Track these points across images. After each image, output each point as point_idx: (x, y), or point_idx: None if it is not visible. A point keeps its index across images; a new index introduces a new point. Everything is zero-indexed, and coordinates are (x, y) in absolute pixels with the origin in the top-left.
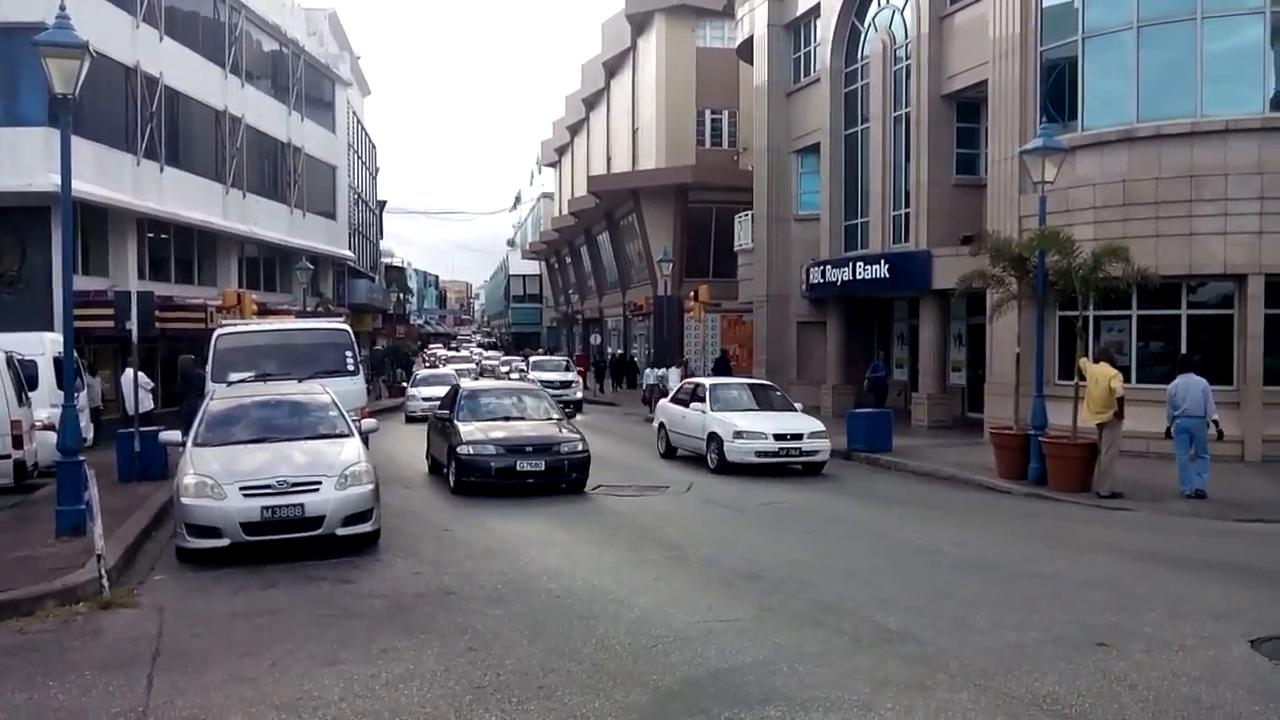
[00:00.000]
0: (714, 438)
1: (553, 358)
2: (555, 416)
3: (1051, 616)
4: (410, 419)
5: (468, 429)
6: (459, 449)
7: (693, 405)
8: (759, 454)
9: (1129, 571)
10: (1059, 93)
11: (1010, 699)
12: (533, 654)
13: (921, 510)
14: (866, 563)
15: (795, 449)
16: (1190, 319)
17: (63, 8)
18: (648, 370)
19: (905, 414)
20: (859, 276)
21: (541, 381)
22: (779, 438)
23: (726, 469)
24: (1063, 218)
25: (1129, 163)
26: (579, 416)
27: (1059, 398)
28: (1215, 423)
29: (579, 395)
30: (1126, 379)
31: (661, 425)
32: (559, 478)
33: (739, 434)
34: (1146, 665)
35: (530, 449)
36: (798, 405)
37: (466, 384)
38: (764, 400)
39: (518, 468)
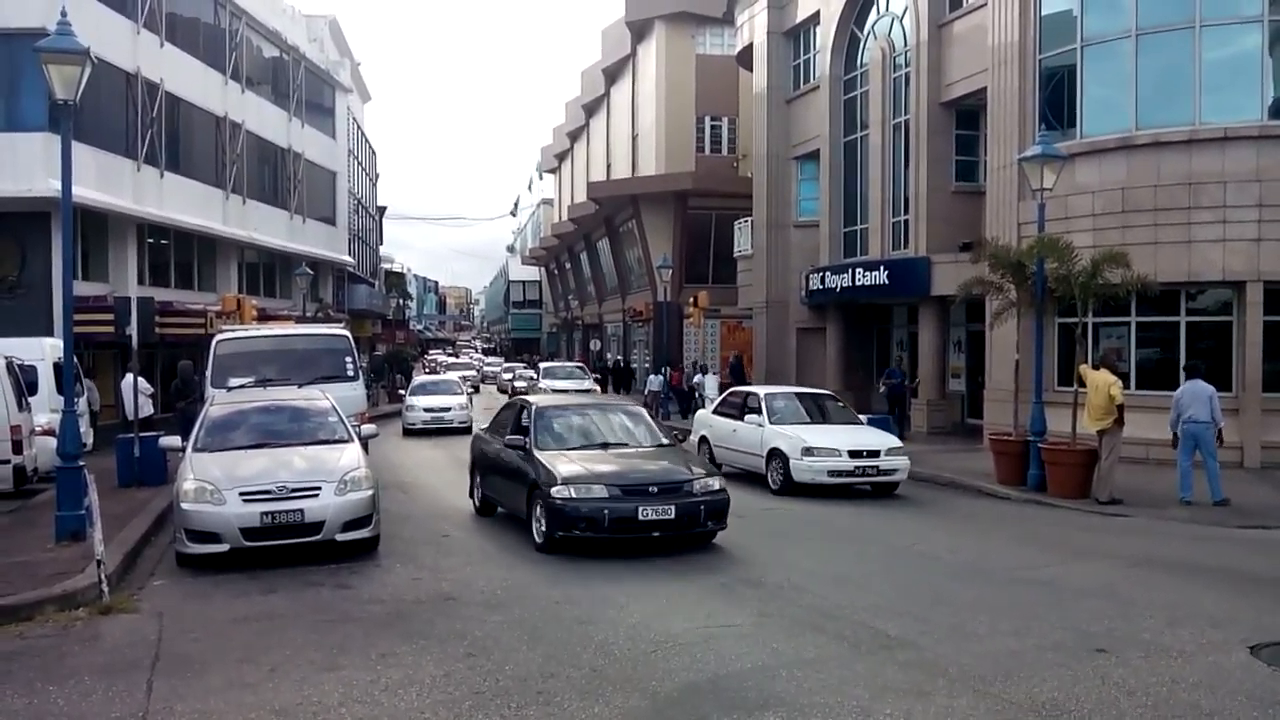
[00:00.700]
0: (776, 455)
1: (566, 364)
2: (666, 442)
3: (1050, 623)
4: (409, 432)
5: (561, 462)
6: (554, 491)
7: (747, 418)
8: (832, 473)
9: (1128, 578)
10: (1058, 100)
11: (1009, 705)
12: (532, 659)
13: (920, 516)
14: (864, 568)
15: (872, 468)
16: (1189, 326)
17: (64, 14)
18: (651, 377)
19: (905, 420)
20: (858, 283)
21: (555, 393)
22: (854, 455)
23: (792, 489)
24: (1062, 225)
25: (1128, 170)
26: None
27: (1058, 404)
28: (1220, 430)
29: None
30: (1126, 386)
31: (703, 439)
32: (693, 527)
33: (808, 450)
34: (1145, 671)
35: (654, 489)
36: (862, 417)
37: (538, 399)
38: (825, 412)
39: (640, 516)
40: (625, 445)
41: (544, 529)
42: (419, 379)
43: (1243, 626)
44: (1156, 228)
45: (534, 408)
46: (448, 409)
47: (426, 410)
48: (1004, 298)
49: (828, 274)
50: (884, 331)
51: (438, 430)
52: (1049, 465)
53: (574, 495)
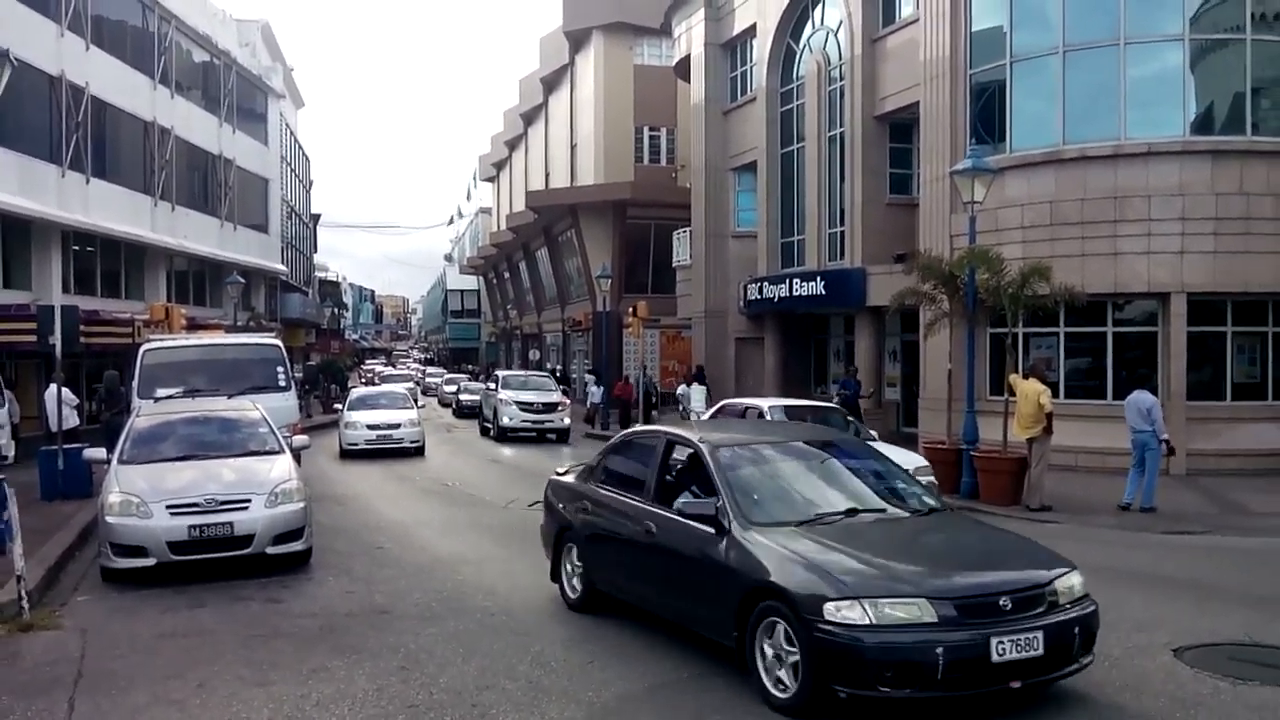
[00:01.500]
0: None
1: (533, 374)
2: (935, 504)
3: None
4: (348, 454)
5: (812, 549)
6: (827, 612)
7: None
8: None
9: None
10: (988, 115)
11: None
12: (467, 672)
13: None
14: None
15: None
16: (1116, 336)
17: None
18: (591, 388)
19: (858, 431)
20: (796, 293)
21: (518, 404)
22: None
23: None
24: (993, 237)
25: (1056, 184)
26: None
27: (990, 413)
28: (1166, 441)
29: (566, 422)
30: (1055, 395)
31: (565, 537)
32: (1063, 666)
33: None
34: (1073, 676)
35: (1006, 602)
36: (873, 432)
37: (700, 432)
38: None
39: (994, 655)
40: (881, 510)
41: (800, 679)
42: (358, 391)
43: (1166, 630)
44: (1084, 240)
45: (708, 449)
46: (396, 426)
47: (371, 428)
48: (936, 308)
49: (765, 284)
50: (821, 341)
51: (382, 452)
52: (981, 473)
53: (872, 620)
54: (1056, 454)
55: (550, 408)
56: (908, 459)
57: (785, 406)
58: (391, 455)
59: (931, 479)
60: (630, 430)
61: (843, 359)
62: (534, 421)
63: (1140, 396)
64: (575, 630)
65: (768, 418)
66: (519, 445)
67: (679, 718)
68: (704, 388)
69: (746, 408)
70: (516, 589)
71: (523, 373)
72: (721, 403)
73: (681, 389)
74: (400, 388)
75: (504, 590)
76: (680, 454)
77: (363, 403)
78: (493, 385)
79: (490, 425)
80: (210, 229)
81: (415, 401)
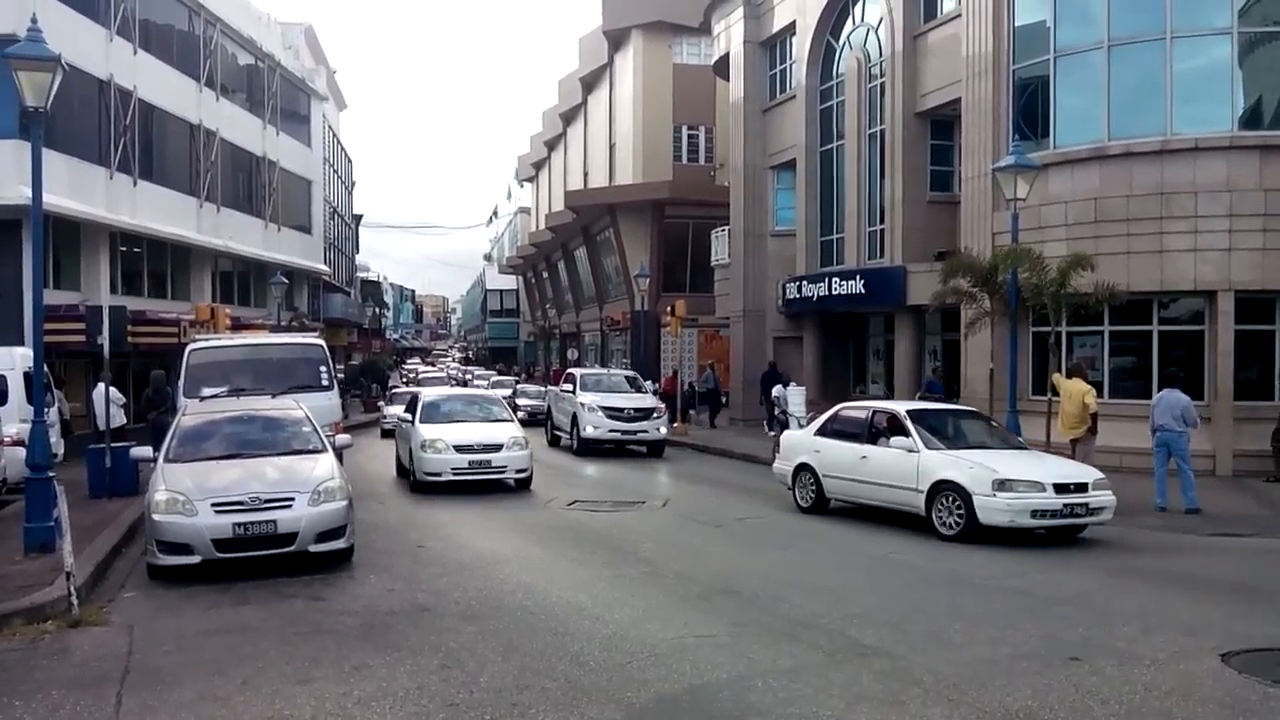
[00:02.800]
0: (948, 490)
1: (613, 372)
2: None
3: (1024, 631)
4: (426, 487)
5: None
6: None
7: (891, 441)
8: (1036, 513)
9: (1101, 586)
10: (1031, 111)
11: (983, 713)
12: (507, 671)
13: (895, 525)
14: (840, 577)
15: (1081, 506)
16: (1162, 335)
17: (35, 20)
18: (647, 383)
19: None
20: (835, 292)
21: (605, 410)
22: (1060, 489)
23: (975, 534)
24: (1035, 235)
25: (1100, 180)
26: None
27: (1032, 412)
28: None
29: (663, 431)
30: (1099, 394)
31: (804, 469)
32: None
33: (1003, 484)
34: (1118, 679)
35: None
36: (1022, 438)
37: (906, 407)
38: (976, 433)
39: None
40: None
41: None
42: (432, 393)
43: (1214, 634)
44: (1129, 237)
45: (904, 412)
46: (495, 447)
47: (460, 450)
48: (978, 307)
49: (804, 283)
50: (860, 340)
51: (476, 485)
52: None
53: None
54: (1100, 455)
55: (643, 414)
56: (1082, 469)
57: (932, 409)
58: (486, 490)
59: (1110, 494)
60: (841, 405)
61: (881, 358)
62: (624, 431)
63: (1174, 396)
64: (614, 629)
65: (908, 425)
66: (603, 460)
67: (717, 719)
68: (802, 388)
69: (875, 411)
70: (555, 588)
71: (601, 370)
72: (837, 407)
73: (778, 390)
74: (489, 388)
75: (543, 589)
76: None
77: (441, 412)
78: (567, 387)
79: (564, 434)
80: (254, 230)
81: (513, 410)
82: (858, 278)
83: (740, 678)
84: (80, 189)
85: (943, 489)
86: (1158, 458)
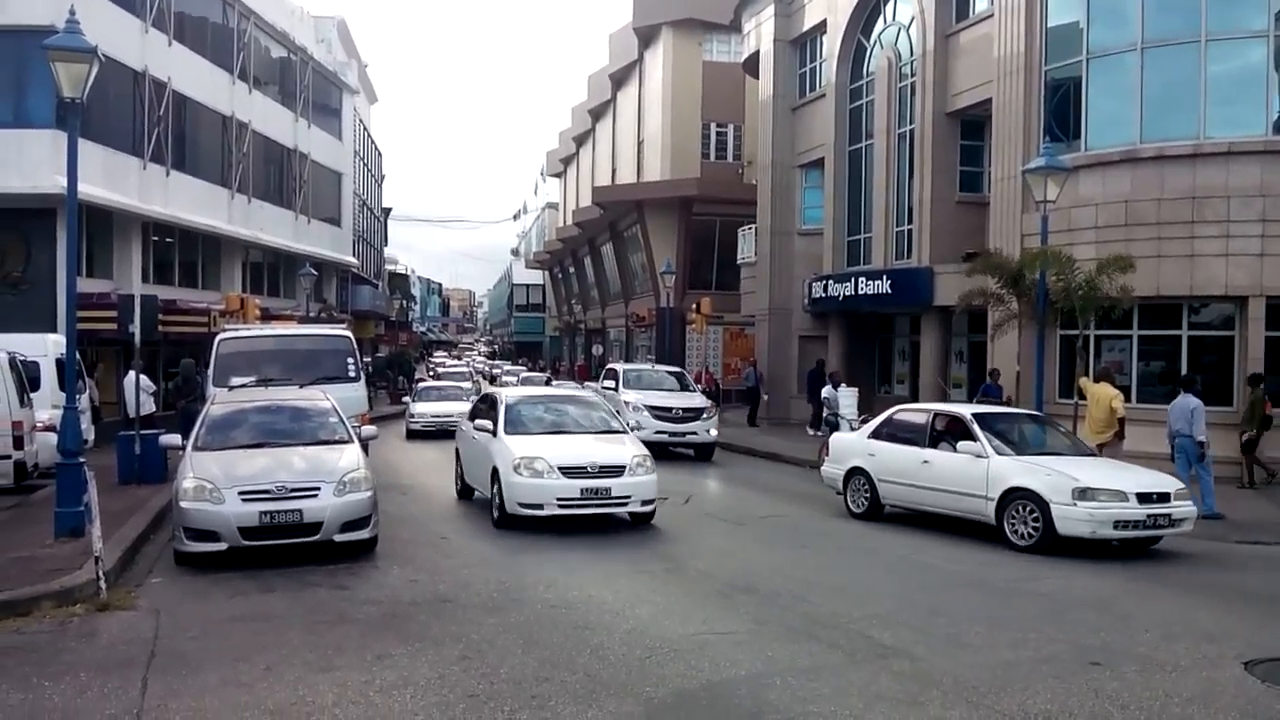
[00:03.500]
0: (1021, 497)
1: (657, 368)
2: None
3: (1045, 635)
4: (516, 522)
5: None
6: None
7: (958, 445)
8: (1119, 524)
9: (1124, 591)
10: (1063, 112)
11: (1002, 716)
12: (527, 663)
13: (916, 526)
14: (861, 577)
15: (1164, 516)
16: (1191, 340)
17: (72, 12)
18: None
19: None
20: (861, 292)
21: (652, 410)
22: (1144, 499)
23: (1052, 545)
24: (1065, 237)
25: (1131, 183)
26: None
27: (1059, 416)
28: (1202, 444)
29: (714, 434)
30: (1127, 399)
31: (857, 472)
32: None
33: (1084, 493)
34: (1139, 685)
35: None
36: (1091, 445)
37: (971, 410)
38: (1048, 441)
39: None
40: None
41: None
42: (513, 394)
43: (1237, 642)
44: (1160, 241)
45: (970, 415)
46: (615, 470)
47: (570, 473)
48: (1005, 309)
49: (831, 282)
50: (886, 341)
51: (583, 521)
52: None
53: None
54: (1127, 459)
55: (693, 414)
56: (1161, 478)
57: (990, 414)
58: (595, 527)
59: (1191, 507)
60: (897, 408)
61: (907, 359)
62: (671, 433)
63: (1186, 400)
64: (634, 624)
65: (974, 429)
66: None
67: (735, 716)
68: (854, 389)
69: (936, 414)
70: (576, 582)
71: (645, 366)
72: (893, 409)
73: (828, 391)
74: (578, 389)
75: (564, 583)
76: (941, 420)
77: (530, 416)
78: (608, 384)
79: None
80: (285, 221)
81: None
82: (884, 278)
83: (759, 675)
84: (114, 179)
85: (1016, 497)
86: (1179, 464)
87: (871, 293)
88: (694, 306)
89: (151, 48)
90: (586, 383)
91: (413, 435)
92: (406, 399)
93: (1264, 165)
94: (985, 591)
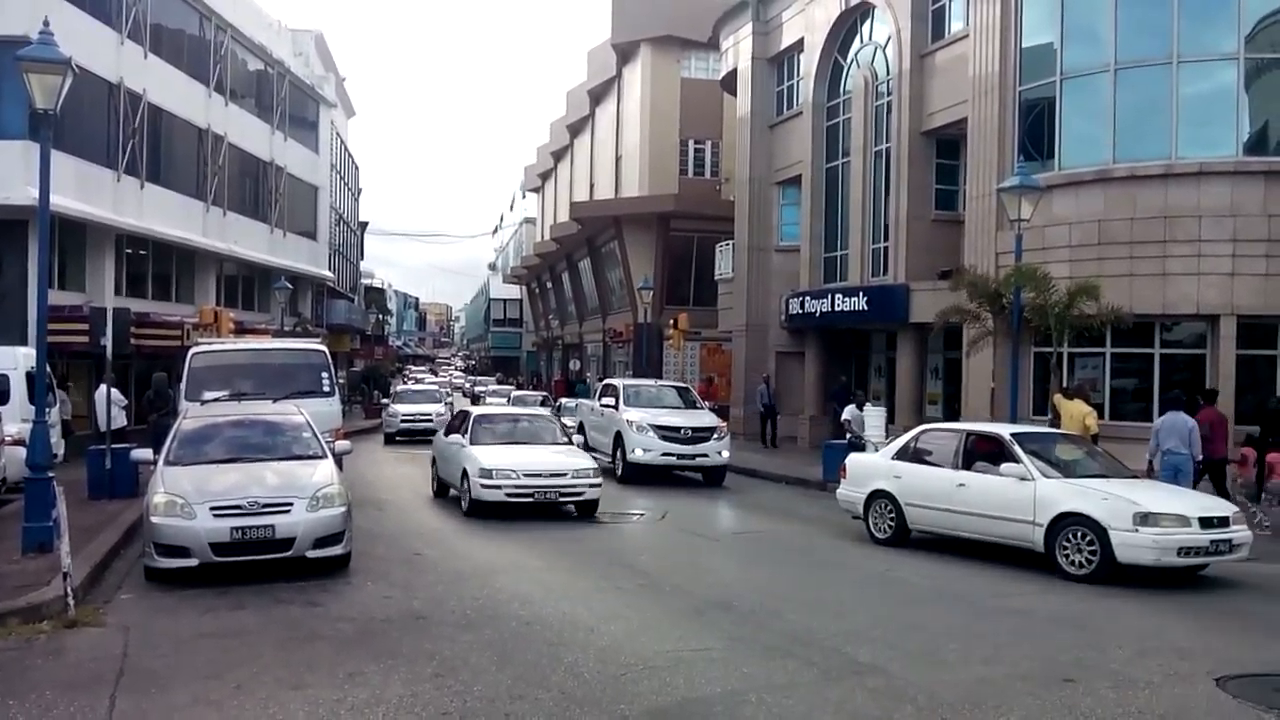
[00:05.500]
0: (1074, 523)
1: (659, 383)
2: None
3: (1020, 651)
4: (482, 509)
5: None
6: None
7: (1004, 468)
8: (1184, 550)
9: (1098, 608)
10: (1037, 132)
11: None
12: (500, 681)
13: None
14: (837, 594)
15: (1225, 542)
16: (1163, 358)
17: (46, 23)
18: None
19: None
20: (838, 308)
21: (658, 430)
22: (1205, 524)
23: (1110, 574)
24: (1039, 255)
25: (1104, 203)
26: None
27: None
28: (1199, 463)
29: (725, 455)
30: (1100, 416)
31: (879, 495)
32: None
33: (1145, 518)
34: (1112, 702)
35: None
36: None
37: (1011, 431)
38: (1089, 462)
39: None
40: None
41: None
42: (478, 410)
43: (1210, 658)
44: (1132, 260)
45: (1009, 436)
46: (559, 475)
47: (527, 474)
48: (980, 327)
49: (807, 299)
50: (862, 357)
51: (531, 509)
52: None
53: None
54: None
55: (703, 434)
56: (1221, 504)
57: (1029, 434)
58: (544, 514)
59: (1246, 530)
60: (925, 427)
61: (883, 375)
62: (679, 455)
63: (1180, 419)
64: (608, 641)
65: (1016, 450)
66: (653, 488)
67: None
68: (881, 408)
69: (969, 434)
70: (550, 599)
71: (647, 381)
72: (922, 428)
73: (850, 411)
74: (527, 403)
75: (539, 600)
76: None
77: (491, 428)
78: (607, 401)
79: (605, 457)
80: (260, 235)
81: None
82: (861, 295)
83: (734, 692)
84: (87, 190)
85: (1069, 523)
86: (1165, 479)
87: (848, 309)
88: (671, 322)
89: (127, 60)
90: (562, 399)
91: (390, 441)
92: (386, 401)
93: (1234, 185)
94: (959, 607)
